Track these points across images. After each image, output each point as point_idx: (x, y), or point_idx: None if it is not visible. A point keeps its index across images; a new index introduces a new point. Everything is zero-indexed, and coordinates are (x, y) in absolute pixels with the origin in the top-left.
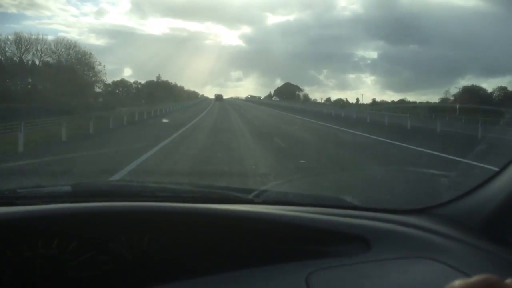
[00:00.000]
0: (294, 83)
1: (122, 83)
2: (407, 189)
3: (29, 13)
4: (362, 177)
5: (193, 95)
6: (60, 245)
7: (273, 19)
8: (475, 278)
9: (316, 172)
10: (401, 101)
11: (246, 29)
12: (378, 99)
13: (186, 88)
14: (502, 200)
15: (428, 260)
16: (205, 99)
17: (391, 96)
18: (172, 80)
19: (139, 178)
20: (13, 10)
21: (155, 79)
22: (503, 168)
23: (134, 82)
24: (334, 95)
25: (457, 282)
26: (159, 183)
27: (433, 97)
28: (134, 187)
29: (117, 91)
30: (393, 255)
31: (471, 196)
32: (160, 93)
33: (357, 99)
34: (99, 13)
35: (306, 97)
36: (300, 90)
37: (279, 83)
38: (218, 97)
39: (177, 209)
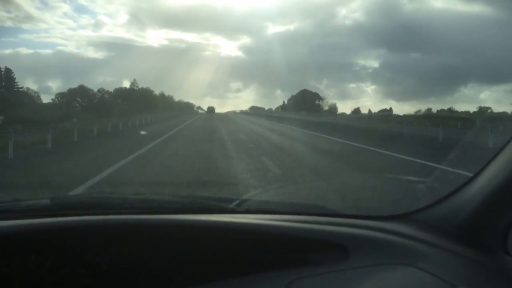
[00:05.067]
0: (294, 93)
1: (82, 92)
2: (385, 196)
3: (25, 26)
4: (341, 185)
5: (185, 106)
6: (38, 260)
7: (273, 29)
8: None
9: (296, 181)
10: (450, 110)
11: (246, 40)
12: (378, 108)
13: (178, 99)
14: (478, 204)
15: (406, 267)
16: (190, 112)
17: (391, 105)
18: (169, 91)
19: (120, 189)
20: (9, 23)
21: (127, 86)
22: (477, 173)
23: (99, 90)
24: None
25: None
26: (139, 195)
27: (435, 106)
28: (114, 199)
29: (75, 103)
30: (372, 262)
31: (448, 202)
32: (133, 104)
33: (391, 109)
34: (97, 25)
35: (333, 108)
36: (320, 98)
37: (279, 93)
38: (210, 109)
39: (157, 221)
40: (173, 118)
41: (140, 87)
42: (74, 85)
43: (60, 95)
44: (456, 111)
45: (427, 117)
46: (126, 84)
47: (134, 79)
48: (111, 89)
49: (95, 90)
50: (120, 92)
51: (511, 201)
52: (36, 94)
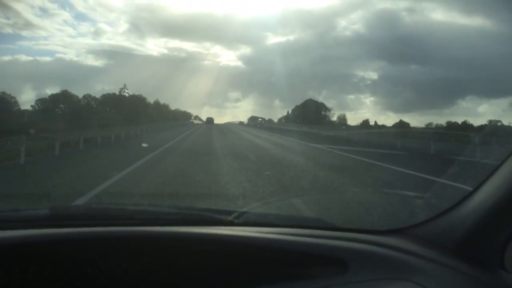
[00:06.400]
0: (293, 103)
1: (65, 98)
2: (384, 210)
3: (24, 33)
4: (340, 199)
5: (182, 116)
6: (36, 271)
7: (273, 39)
8: None
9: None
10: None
11: (246, 49)
12: (377, 120)
13: (174, 107)
14: (475, 220)
15: (404, 281)
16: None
17: (390, 118)
18: (168, 100)
19: (118, 200)
20: (8, 30)
21: (117, 92)
22: (475, 189)
23: (84, 96)
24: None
25: None
26: (138, 206)
27: (433, 118)
28: (113, 210)
29: (57, 109)
30: (370, 276)
31: (446, 217)
32: (121, 113)
33: (401, 121)
34: (97, 33)
35: (342, 119)
36: (327, 109)
37: (278, 104)
38: (209, 120)
39: (156, 233)
40: (154, 134)
41: (131, 93)
42: (73, 92)
43: (40, 101)
44: (472, 125)
45: (448, 130)
46: (124, 92)
47: (124, 85)
48: (102, 96)
49: (80, 96)
50: (108, 99)
51: (508, 217)
52: (13, 100)
